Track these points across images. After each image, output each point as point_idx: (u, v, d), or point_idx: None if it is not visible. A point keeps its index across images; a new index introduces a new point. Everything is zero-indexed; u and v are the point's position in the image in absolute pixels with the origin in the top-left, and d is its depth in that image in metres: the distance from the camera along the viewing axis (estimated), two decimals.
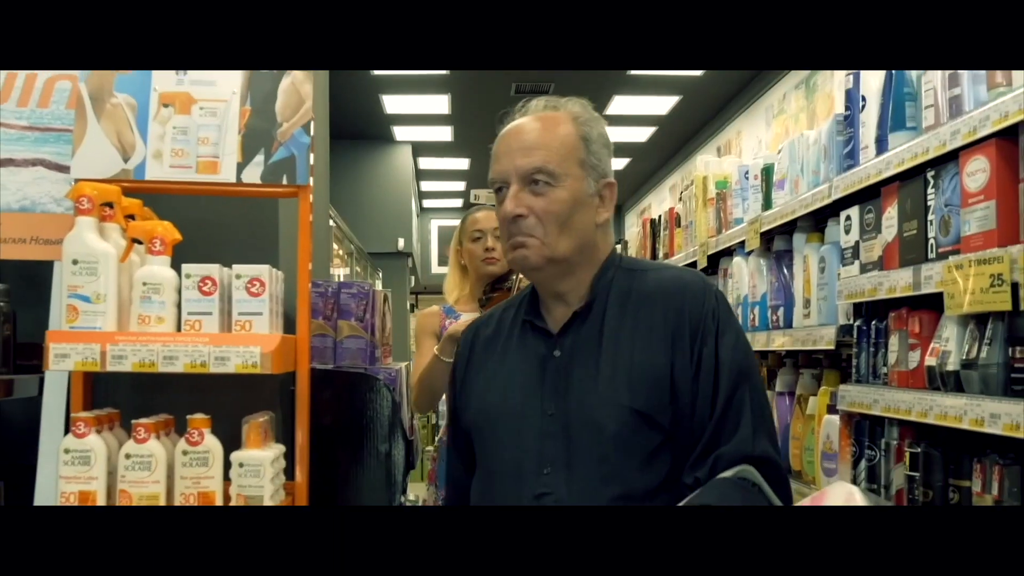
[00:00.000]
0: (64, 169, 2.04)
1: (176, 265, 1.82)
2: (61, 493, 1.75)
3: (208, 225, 2.10)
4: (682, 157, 9.87)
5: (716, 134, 8.76)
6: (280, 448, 1.91)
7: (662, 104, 8.34)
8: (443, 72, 7.23)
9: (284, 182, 1.97)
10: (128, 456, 1.78)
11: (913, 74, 1.84)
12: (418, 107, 8.11)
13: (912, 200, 1.80)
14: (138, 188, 1.96)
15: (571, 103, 1.50)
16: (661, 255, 3.99)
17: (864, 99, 2.02)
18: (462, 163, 10.36)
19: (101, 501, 1.76)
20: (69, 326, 1.76)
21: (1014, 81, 1.53)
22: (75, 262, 1.76)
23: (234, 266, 1.83)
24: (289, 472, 1.92)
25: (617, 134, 9.29)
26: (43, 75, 2.10)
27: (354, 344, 2.30)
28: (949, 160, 1.66)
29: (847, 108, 2.11)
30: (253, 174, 1.95)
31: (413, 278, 11.21)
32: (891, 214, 1.87)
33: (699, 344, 1.38)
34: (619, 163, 10.62)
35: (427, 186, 11.61)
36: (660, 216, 4.06)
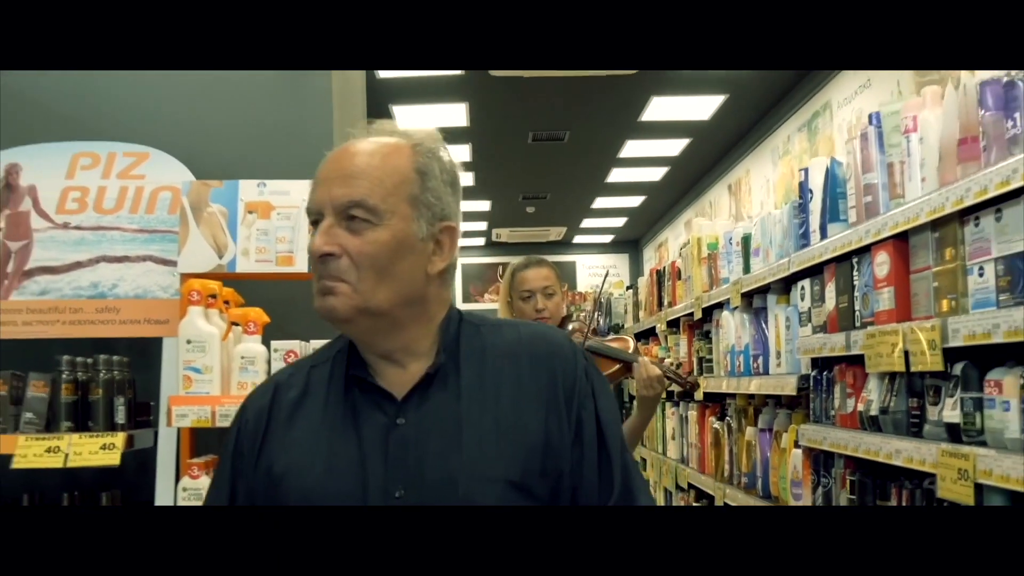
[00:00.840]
0: (169, 263, 2.59)
1: (265, 340, 2.36)
2: None
3: (281, 302, 2.62)
4: (695, 193, 10.38)
5: (726, 173, 9.27)
6: None
7: (674, 146, 8.86)
8: (463, 124, 7.81)
9: None
10: None
11: (843, 176, 2.35)
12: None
13: (844, 279, 2.30)
14: (230, 278, 2.50)
15: (418, 131, 1.31)
16: (666, 303, 4.49)
17: (811, 192, 2.53)
18: (483, 205, 10.94)
19: None
20: (185, 392, 2.30)
21: (907, 195, 2.04)
22: (188, 342, 2.30)
23: (311, 341, 2.36)
24: None
25: (631, 174, 9.83)
26: (149, 187, 2.66)
27: None
28: (866, 251, 2.17)
29: (800, 196, 2.62)
30: None
31: None
32: (831, 288, 2.38)
33: (577, 406, 1.27)
34: (634, 200, 11.14)
35: None
36: (665, 268, 4.57)
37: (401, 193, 1.25)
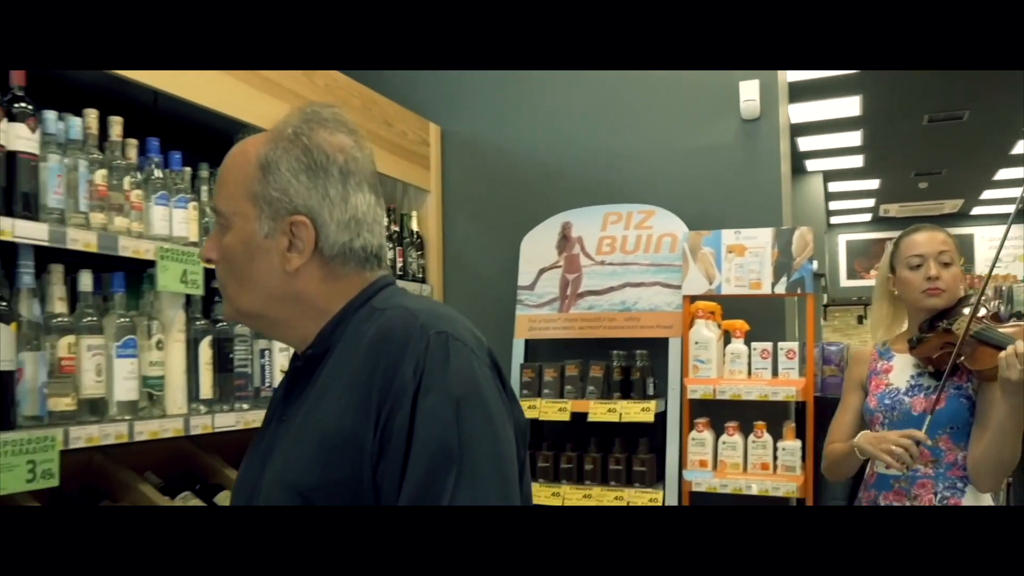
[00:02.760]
0: (672, 287, 4.04)
1: (746, 341, 3.72)
2: (689, 460, 3.73)
3: (754, 313, 3.96)
4: None
5: None
6: (799, 441, 3.73)
7: None
8: (856, 114, 8.67)
9: (798, 292, 3.79)
10: (724, 443, 3.72)
11: None
12: (831, 143, 9.63)
13: None
14: (717, 298, 3.90)
15: (293, 116, 1.27)
16: None
17: None
18: (872, 184, 11.60)
19: (709, 467, 3.71)
20: (694, 376, 3.74)
21: None
22: (696, 343, 3.74)
23: (779, 343, 3.68)
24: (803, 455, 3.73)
25: None
26: (656, 234, 4.14)
27: (832, 380, 4.06)
28: None
29: None
30: (781, 288, 3.80)
31: (825, 294, 12.60)
32: None
33: (389, 409, 1.13)
34: None
35: (834, 205, 12.95)
36: None
37: (242, 192, 1.24)
